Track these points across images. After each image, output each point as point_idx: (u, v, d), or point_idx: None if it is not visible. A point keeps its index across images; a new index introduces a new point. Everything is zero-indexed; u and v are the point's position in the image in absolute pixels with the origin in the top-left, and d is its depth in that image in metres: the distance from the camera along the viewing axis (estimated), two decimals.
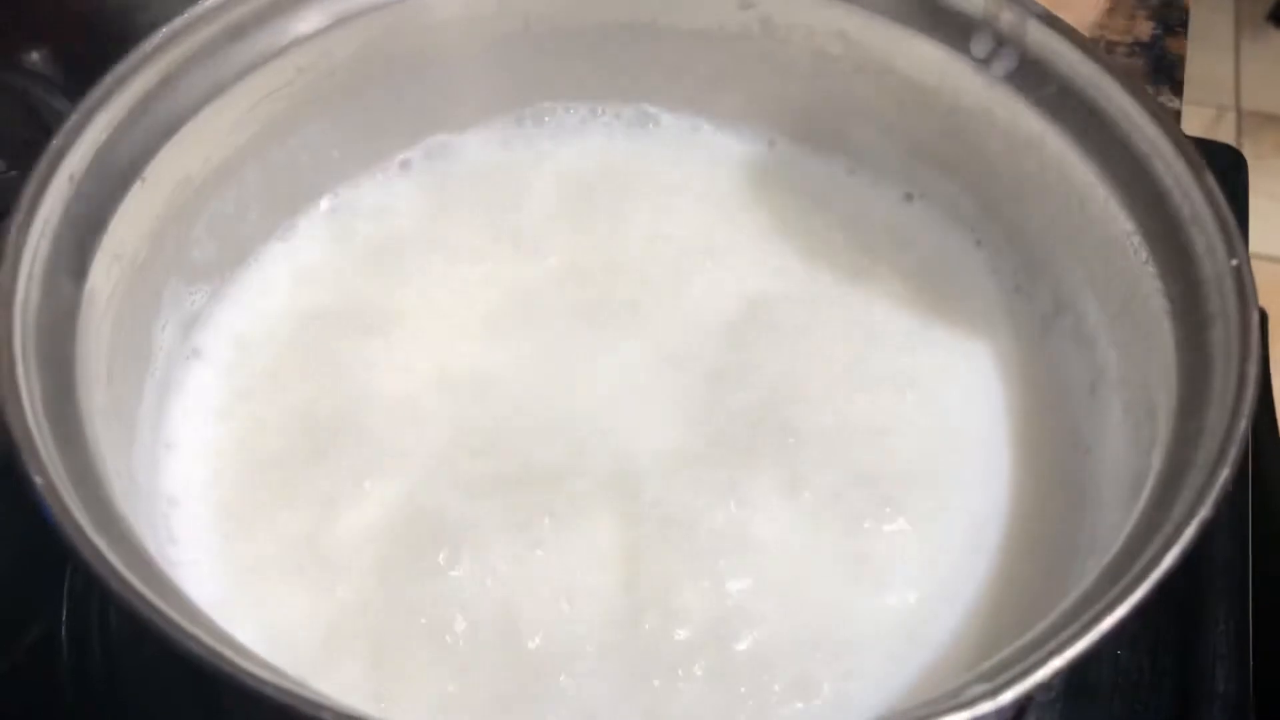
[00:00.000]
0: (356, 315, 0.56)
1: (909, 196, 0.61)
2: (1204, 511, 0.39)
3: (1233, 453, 0.41)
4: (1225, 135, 1.72)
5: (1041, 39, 0.52)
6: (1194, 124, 1.68)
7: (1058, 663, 0.36)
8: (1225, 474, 0.40)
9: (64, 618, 0.54)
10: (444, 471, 0.51)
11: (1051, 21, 0.52)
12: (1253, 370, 0.42)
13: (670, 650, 0.46)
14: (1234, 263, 0.45)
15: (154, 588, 0.37)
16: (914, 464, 0.52)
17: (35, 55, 0.71)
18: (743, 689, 0.46)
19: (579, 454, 0.51)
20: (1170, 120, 0.49)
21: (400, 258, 0.59)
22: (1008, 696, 0.35)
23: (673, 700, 0.45)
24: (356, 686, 0.45)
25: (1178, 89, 0.80)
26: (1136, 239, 0.49)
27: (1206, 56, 1.78)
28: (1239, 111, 1.76)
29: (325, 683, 0.40)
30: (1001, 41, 0.53)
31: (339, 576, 0.48)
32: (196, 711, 0.51)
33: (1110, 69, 0.51)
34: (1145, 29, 0.82)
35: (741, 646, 0.47)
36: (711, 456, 0.52)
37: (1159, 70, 0.80)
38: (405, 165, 0.61)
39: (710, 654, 0.46)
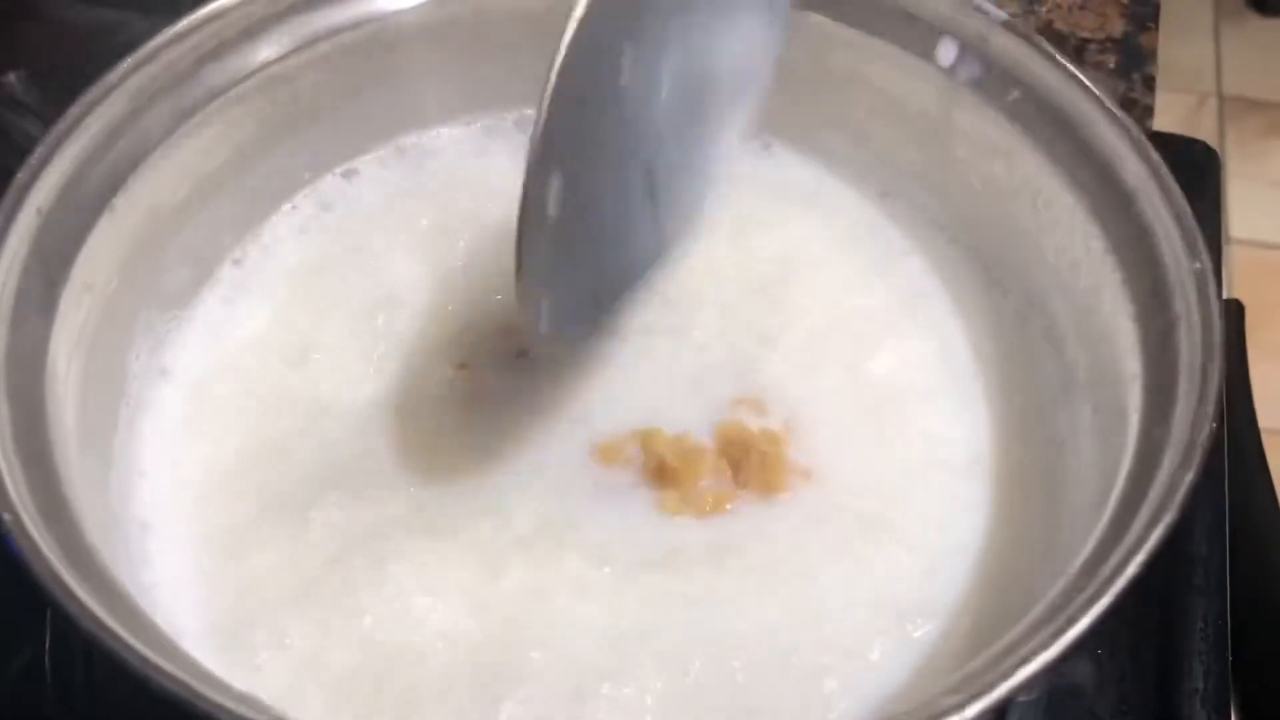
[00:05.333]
0: (321, 329, 0.56)
1: (884, 194, 0.61)
2: (1169, 516, 0.40)
3: (1197, 457, 0.41)
4: (1207, 122, 1.72)
5: (1005, 46, 0.53)
6: (1175, 112, 1.68)
7: (1025, 672, 0.36)
8: (1190, 478, 0.40)
9: (48, 645, 0.54)
10: (412, 480, 0.51)
11: (1015, 28, 0.52)
12: (1216, 374, 0.43)
13: None
14: (1196, 266, 0.45)
15: (127, 624, 0.37)
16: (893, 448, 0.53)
17: (11, 78, 0.71)
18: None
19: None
20: (1133, 124, 0.50)
21: (370, 267, 0.59)
22: (975, 709, 0.36)
23: None
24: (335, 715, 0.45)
25: (1150, 84, 0.80)
26: (1101, 243, 0.49)
27: (1186, 43, 1.78)
28: (1220, 98, 1.76)
29: (303, 712, 0.40)
30: (965, 49, 0.54)
31: (313, 592, 0.49)
32: None
33: (1073, 74, 0.51)
34: (1117, 25, 0.83)
35: None
36: None
37: (1131, 66, 0.81)
38: (374, 176, 0.61)
39: None
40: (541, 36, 0.59)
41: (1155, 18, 0.83)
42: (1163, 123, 0.80)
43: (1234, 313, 0.77)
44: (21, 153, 0.48)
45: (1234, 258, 1.60)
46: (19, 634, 0.54)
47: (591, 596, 0.48)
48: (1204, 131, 1.61)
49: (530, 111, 0.60)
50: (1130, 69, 0.81)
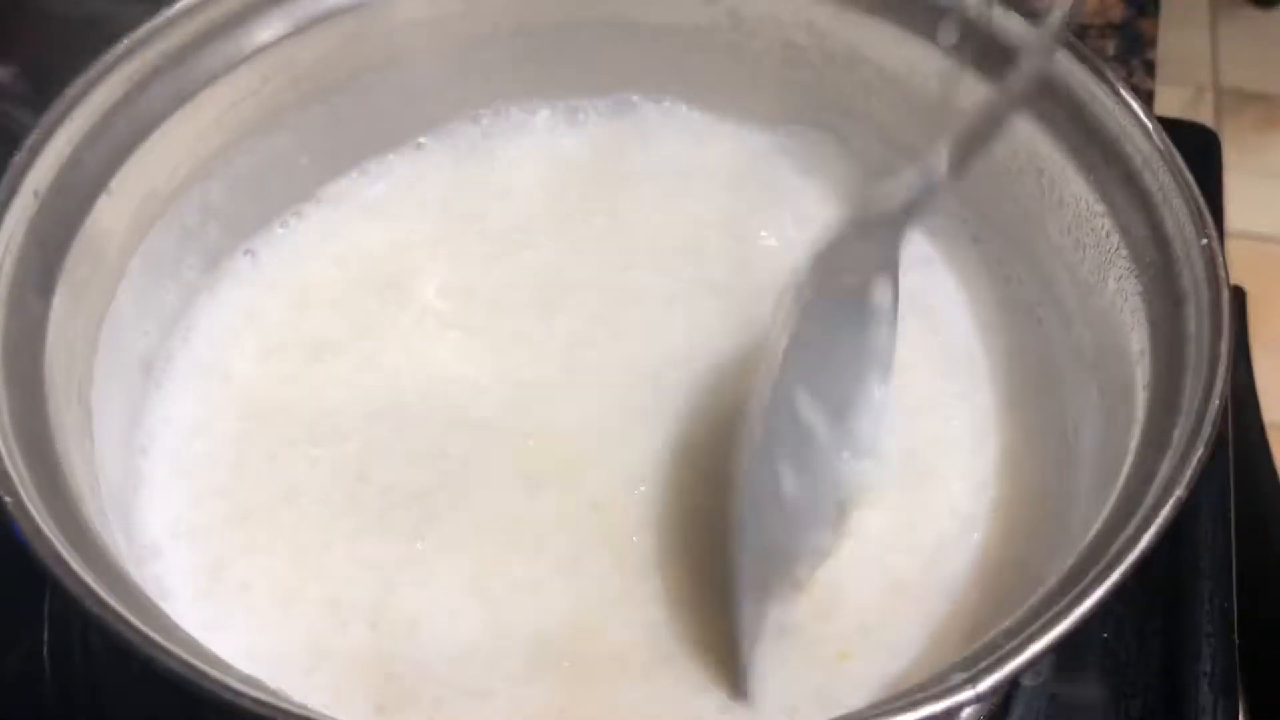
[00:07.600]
0: (323, 327, 0.56)
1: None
2: (1179, 492, 0.39)
3: (1207, 433, 0.41)
4: (1203, 114, 1.71)
5: (1006, 25, 0.52)
6: (1172, 103, 1.68)
7: (1035, 648, 0.36)
8: (1200, 454, 0.40)
9: (45, 638, 0.54)
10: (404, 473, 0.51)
11: (1015, 7, 0.52)
12: (1225, 349, 0.42)
13: None
14: (1204, 242, 0.45)
15: (130, 606, 0.36)
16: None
17: (3, 71, 0.70)
18: None
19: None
20: (1139, 102, 0.49)
21: (378, 271, 0.58)
22: (986, 684, 0.35)
23: None
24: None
25: (1150, 69, 0.80)
26: (1107, 221, 0.49)
27: (1183, 35, 1.78)
28: (1217, 90, 1.76)
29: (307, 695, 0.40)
30: (967, 28, 0.53)
31: (318, 582, 0.48)
32: None
33: (1076, 52, 0.51)
34: (1117, 11, 0.82)
35: None
36: None
37: (1131, 51, 0.81)
38: (378, 171, 0.61)
39: None
40: (536, 23, 0.60)
41: (1155, 4, 0.83)
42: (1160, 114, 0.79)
43: (1237, 299, 0.77)
44: (14, 146, 0.48)
45: (1230, 250, 1.59)
46: (17, 626, 0.54)
47: None
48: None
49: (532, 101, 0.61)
50: (1130, 54, 0.81)
